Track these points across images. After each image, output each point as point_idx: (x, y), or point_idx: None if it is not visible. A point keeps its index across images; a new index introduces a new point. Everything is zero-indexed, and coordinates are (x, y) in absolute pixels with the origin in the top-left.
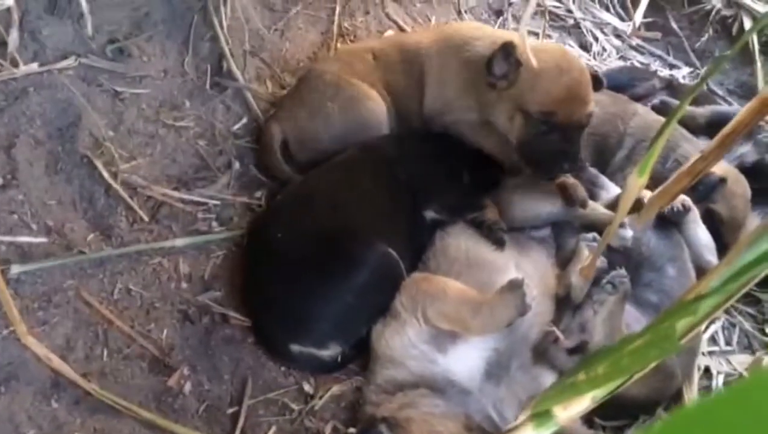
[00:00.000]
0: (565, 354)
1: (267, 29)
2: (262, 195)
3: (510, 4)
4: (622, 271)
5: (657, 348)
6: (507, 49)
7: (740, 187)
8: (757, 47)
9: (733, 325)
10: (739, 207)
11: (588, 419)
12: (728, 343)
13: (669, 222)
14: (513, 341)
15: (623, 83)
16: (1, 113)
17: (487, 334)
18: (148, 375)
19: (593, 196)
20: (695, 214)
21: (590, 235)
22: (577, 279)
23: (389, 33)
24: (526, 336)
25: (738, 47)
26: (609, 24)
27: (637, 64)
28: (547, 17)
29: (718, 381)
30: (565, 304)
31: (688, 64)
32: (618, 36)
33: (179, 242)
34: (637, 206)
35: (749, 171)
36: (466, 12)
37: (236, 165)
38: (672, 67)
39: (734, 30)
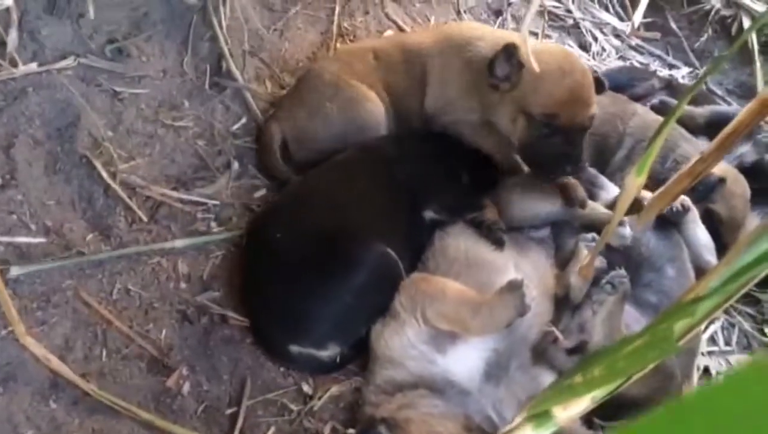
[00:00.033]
0: (565, 354)
1: (266, 29)
2: (261, 195)
3: (509, 4)
4: (622, 271)
5: (654, 349)
6: (509, 51)
7: (739, 187)
8: (756, 47)
9: (733, 325)
10: (738, 207)
11: (587, 419)
12: (728, 343)
13: (668, 223)
14: (512, 341)
15: (622, 83)
16: (0, 113)
17: (486, 335)
18: (146, 375)
19: (592, 196)
20: (694, 214)
21: (589, 235)
22: (576, 280)
23: (388, 33)
24: (525, 337)
25: (737, 47)
26: (608, 24)
27: (637, 64)
28: (547, 17)
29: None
30: (564, 304)
31: (688, 63)
32: (617, 36)
33: (178, 243)
34: (636, 206)
35: (748, 171)
36: (465, 12)
37: (235, 165)
38: (671, 66)
39: (733, 30)
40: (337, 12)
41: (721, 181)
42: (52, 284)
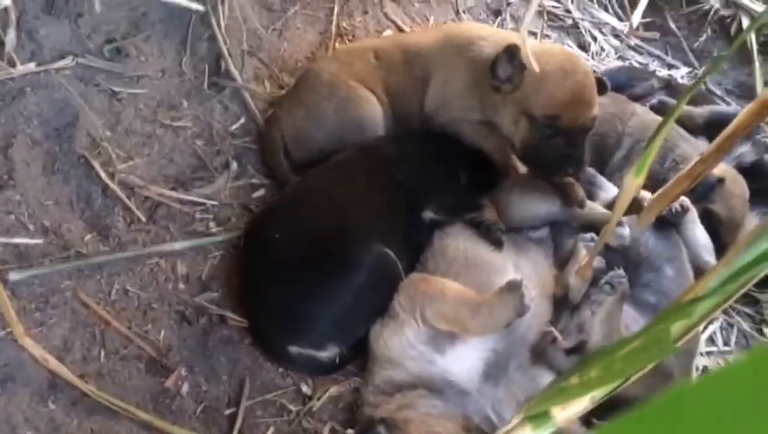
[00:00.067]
0: (564, 354)
1: (265, 29)
2: (259, 195)
3: (508, 4)
4: (621, 272)
5: (651, 351)
6: (511, 52)
7: (738, 187)
8: (755, 47)
9: (732, 325)
10: (737, 207)
11: (586, 419)
12: (726, 343)
13: (667, 223)
14: (511, 342)
15: (622, 83)
16: None
17: (485, 335)
18: (145, 376)
19: (591, 196)
20: (693, 214)
21: (588, 235)
22: (575, 280)
23: (387, 33)
24: (524, 337)
25: (736, 47)
26: (607, 24)
27: (636, 64)
28: (546, 17)
29: None
30: (563, 305)
31: (687, 63)
32: (616, 36)
33: (177, 246)
34: (635, 206)
35: (747, 171)
36: (464, 12)
37: (234, 165)
38: (670, 66)
39: (732, 30)
40: (335, 12)
41: (720, 181)
42: (50, 285)
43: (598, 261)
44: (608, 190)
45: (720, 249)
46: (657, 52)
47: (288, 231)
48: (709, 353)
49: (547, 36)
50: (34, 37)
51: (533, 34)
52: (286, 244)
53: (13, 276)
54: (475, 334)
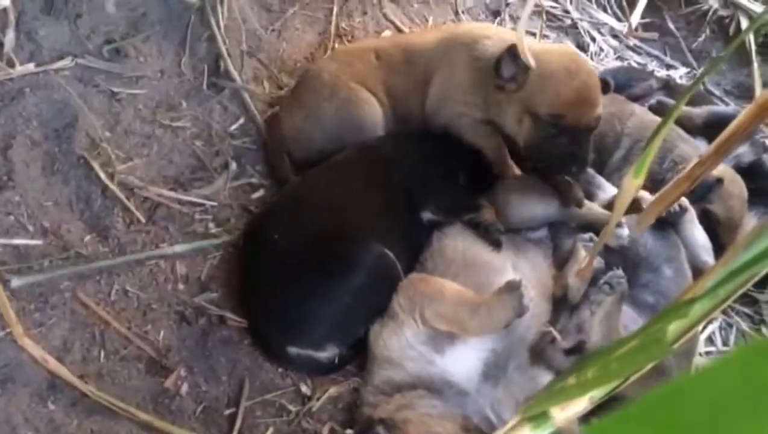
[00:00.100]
0: (563, 354)
1: (264, 30)
2: (259, 196)
3: (507, 5)
4: (620, 272)
5: (647, 351)
6: (515, 51)
7: (737, 187)
8: (753, 47)
9: (730, 326)
10: (735, 207)
11: (585, 420)
12: (725, 344)
13: (666, 223)
14: (510, 342)
15: (620, 83)
16: None
17: (484, 335)
18: (145, 376)
19: (590, 196)
20: (692, 214)
21: (587, 236)
22: (574, 280)
23: (387, 33)
24: (523, 337)
25: (734, 47)
26: (606, 24)
27: (635, 65)
28: (545, 17)
29: None
30: (562, 305)
31: (685, 64)
32: (615, 36)
33: (178, 249)
34: (634, 206)
35: (746, 171)
36: (463, 12)
37: (233, 165)
38: (669, 67)
39: (731, 30)
40: (335, 12)
41: (719, 181)
42: (49, 285)
43: (597, 262)
44: (607, 190)
45: (718, 249)
46: (656, 52)
47: (287, 232)
48: (708, 353)
49: (546, 36)
50: (33, 38)
51: (532, 34)
52: (285, 245)
53: (15, 282)
54: (474, 334)
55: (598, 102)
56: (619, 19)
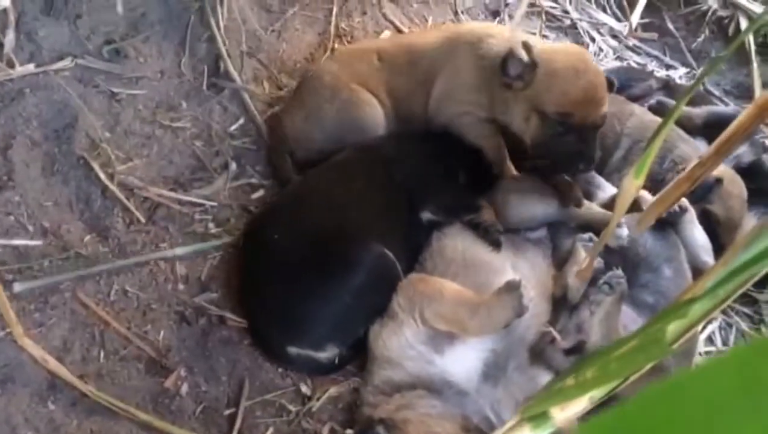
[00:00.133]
0: (562, 354)
1: (264, 30)
2: (258, 196)
3: (506, 5)
4: (619, 272)
5: (647, 351)
6: (522, 49)
7: (736, 187)
8: (753, 48)
9: (730, 325)
10: (735, 207)
11: (585, 420)
12: (725, 343)
13: (665, 223)
14: (510, 342)
15: (620, 84)
16: None
17: (484, 335)
18: (144, 376)
19: (589, 196)
20: (692, 214)
21: (586, 236)
22: (573, 280)
23: (386, 33)
24: (523, 337)
25: (734, 48)
26: (606, 24)
27: (634, 65)
28: (544, 18)
29: None
30: (561, 305)
31: (685, 64)
32: (615, 36)
33: (178, 249)
34: (634, 205)
35: (746, 171)
36: (462, 12)
37: (233, 166)
38: (669, 67)
39: (730, 30)
40: (334, 13)
41: (719, 181)
42: (49, 285)
43: (597, 262)
44: (606, 189)
45: (718, 249)
46: (655, 52)
47: (287, 232)
48: (707, 353)
49: (546, 36)
50: (33, 38)
51: (531, 34)
52: (285, 245)
53: (17, 287)
54: (474, 334)
55: (604, 101)
56: (618, 20)
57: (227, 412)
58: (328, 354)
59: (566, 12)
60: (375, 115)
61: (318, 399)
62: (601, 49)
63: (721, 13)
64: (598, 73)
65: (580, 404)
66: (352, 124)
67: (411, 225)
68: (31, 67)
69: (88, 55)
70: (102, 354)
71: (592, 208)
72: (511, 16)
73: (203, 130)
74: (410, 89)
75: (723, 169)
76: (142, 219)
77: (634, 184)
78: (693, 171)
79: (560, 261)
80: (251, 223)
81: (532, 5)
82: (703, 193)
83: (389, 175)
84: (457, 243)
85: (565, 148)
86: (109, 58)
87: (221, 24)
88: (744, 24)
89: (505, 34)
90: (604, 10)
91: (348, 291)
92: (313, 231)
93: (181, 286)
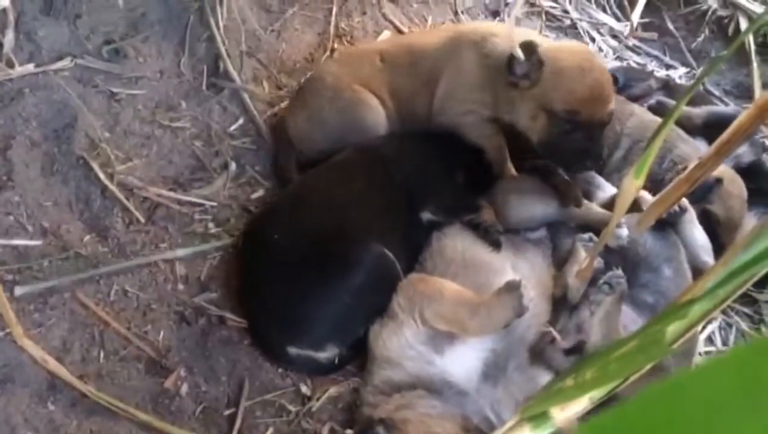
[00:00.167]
0: (562, 354)
1: (263, 30)
2: (258, 196)
3: (506, 5)
4: (619, 272)
5: (646, 352)
6: (528, 49)
7: (736, 187)
8: (753, 48)
9: (730, 325)
10: (735, 207)
11: (585, 420)
12: (725, 343)
13: (665, 223)
14: (510, 342)
15: (620, 83)
16: None
17: (484, 335)
18: (144, 376)
19: (589, 196)
20: (692, 214)
21: (586, 236)
22: (573, 280)
23: (386, 33)
24: (523, 337)
25: (734, 48)
26: (605, 24)
27: (634, 65)
28: (544, 17)
29: None
30: (561, 305)
31: (685, 64)
32: (614, 36)
33: (178, 250)
34: (634, 205)
35: (745, 171)
36: (462, 12)
37: (232, 166)
38: (668, 67)
39: (730, 30)
40: (334, 13)
41: (718, 181)
42: (49, 286)
43: (597, 262)
44: (606, 189)
45: (718, 249)
46: (655, 52)
47: (287, 232)
48: (707, 353)
49: (546, 37)
50: (33, 38)
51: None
52: (285, 245)
53: (18, 290)
54: (474, 335)
55: (610, 98)
56: (618, 19)
57: (227, 412)
58: (327, 354)
59: (566, 12)
60: (377, 115)
61: (318, 399)
62: (601, 49)
63: (721, 13)
64: (603, 71)
65: (580, 404)
66: (354, 125)
67: (411, 225)
68: (30, 67)
69: (87, 55)
70: (102, 355)
71: (591, 208)
72: (511, 16)
73: (203, 129)
74: (413, 90)
75: (723, 169)
76: (142, 220)
77: (634, 184)
78: (693, 172)
79: (560, 261)
80: (251, 223)
81: (532, 5)
82: (703, 193)
83: (389, 175)
84: (457, 243)
85: (573, 145)
86: (108, 58)
87: (221, 24)
88: (744, 24)
89: (508, 32)
90: (604, 10)
91: (348, 291)
92: (313, 232)
93: (180, 286)
